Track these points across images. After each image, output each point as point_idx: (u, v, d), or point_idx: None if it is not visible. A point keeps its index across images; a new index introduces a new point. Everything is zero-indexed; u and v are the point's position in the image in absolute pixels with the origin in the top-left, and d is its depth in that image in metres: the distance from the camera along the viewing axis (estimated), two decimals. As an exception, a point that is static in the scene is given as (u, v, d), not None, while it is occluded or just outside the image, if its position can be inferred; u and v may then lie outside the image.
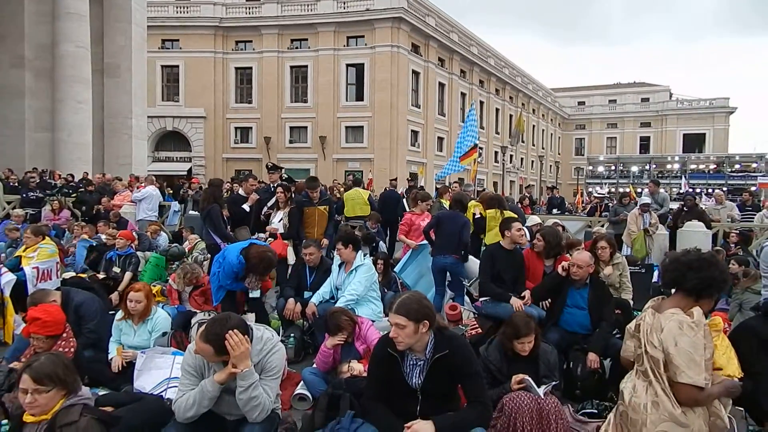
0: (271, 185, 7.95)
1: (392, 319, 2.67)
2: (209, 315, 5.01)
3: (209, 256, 6.68)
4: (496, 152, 41.50)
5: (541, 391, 3.22)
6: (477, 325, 4.97)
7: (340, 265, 5.20)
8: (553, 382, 3.42)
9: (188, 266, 5.68)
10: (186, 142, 32.74)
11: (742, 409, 3.55)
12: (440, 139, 36.06)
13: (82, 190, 12.83)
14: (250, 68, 32.85)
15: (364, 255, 5.34)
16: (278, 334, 5.07)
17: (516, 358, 3.53)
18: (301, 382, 4.03)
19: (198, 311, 5.17)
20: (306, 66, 32.05)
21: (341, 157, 31.25)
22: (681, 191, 21.63)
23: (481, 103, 40.69)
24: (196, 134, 32.45)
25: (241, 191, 7.69)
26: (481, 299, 5.18)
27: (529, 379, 3.28)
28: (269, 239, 6.74)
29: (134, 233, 8.35)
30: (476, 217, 7.48)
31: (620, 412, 2.89)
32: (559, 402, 3.28)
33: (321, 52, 31.37)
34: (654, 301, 2.95)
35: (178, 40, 32.67)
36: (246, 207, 7.19)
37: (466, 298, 6.10)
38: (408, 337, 2.65)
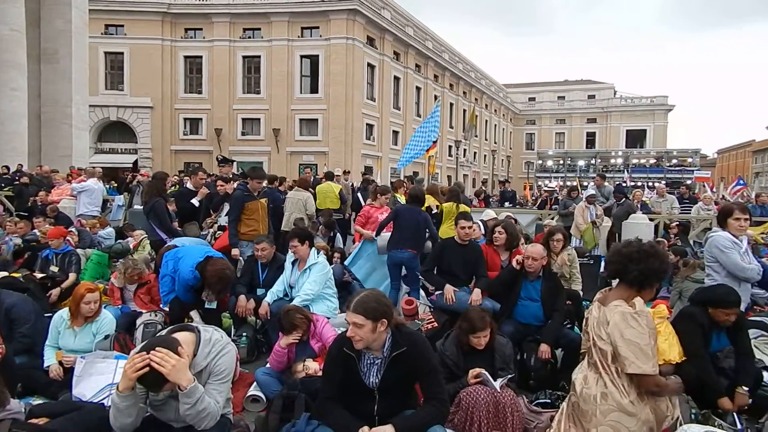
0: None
1: (349, 318, 2.61)
2: (155, 315, 4.79)
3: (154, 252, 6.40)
4: (450, 146, 42.00)
5: (497, 384, 3.25)
6: (433, 319, 4.99)
7: (293, 263, 5.08)
8: (509, 375, 3.46)
9: (130, 261, 5.38)
10: (131, 132, 31.31)
11: (685, 394, 3.70)
12: (395, 132, 36.13)
13: (17, 183, 12.03)
14: (200, 57, 31.70)
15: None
16: (230, 334, 4.96)
17: (472, 352, 3.54)
18: (254, 383, 3.91)
19: (143, 311, 4.93)
20: (259, 56, 31.27)
21: (295, 150, 30.75)
22: (624, 184, 22.56)
23: (435, 97, 41.03)
24: (143, 125, 31.08)
25: (189, 185, 7.41)
26: (436, 293, 5.20)
27: (486, 373, 3.30)
28: (218, 232, 6.52)
29: (74, 229, 7.90)
30: (433, 212, 7.52)
31: (572, 402, 2.95)
32: (515, 394, 3.32)
33: (274, 43, 30.68)
34: (601, 293, 3.02)
35: (122, 26, 31.09)
36: (195, 201, 6.91)
37: (422, 292, 6.11)
38: (366, 336, 2.60)
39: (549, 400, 3.84)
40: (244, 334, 4.84)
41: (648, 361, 2.65)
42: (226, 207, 6.69)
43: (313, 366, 3.72)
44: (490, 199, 16.27)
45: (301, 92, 31.10)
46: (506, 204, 15.60)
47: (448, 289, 4.93)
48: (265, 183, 6.89)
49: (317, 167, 28.76)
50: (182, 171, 18.34)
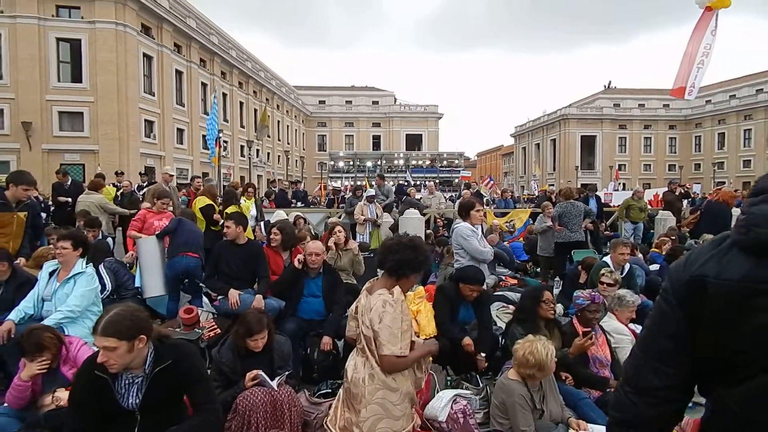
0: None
1: (99, 342, 2.32)
2: None
3: None
4: (242, 146, 40.86)
5: (274, 383, 3.27)
6: (216, 326, 4.80)
7: (51, 273, 4.32)
8: (287, 372, 3.51)
9: None
10: None
11: (440, 366, 4.28)
12: (180, 130, 33.52)
13: None
14: None
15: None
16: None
17: (249, 355, 3.50)
18: (-15, 429, 3.22)
19: None
20: (-2, 34, 25.76)
21: (54, 147, 26.14)
22: (406, 184, 25.05)
23: (224, 95, 39.43)
24: None
25: None
26: (219, 298, 5.02)
27: (263, 373, 3.29)
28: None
29: None
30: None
31: (345, 388, 3.14)
32: (293, 390, 3.39)
33: (19, 20, 25.55)
34: (369, 283, 3.27)
35: None
36: None
37: (205, 299, 5.82)
38: (121, 359, 2.35)
39: (330, 390, 4.02)
40: (-28, 370, 3.95)
41: (398, 343, 2.96)
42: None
43: (64, 396, 3.21)
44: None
45: (59, 80, 26.59)
46: (298, 204, 15.86)
47: (233, 293, 4.83)
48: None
49: (84, 168, 25.12)
50: None
